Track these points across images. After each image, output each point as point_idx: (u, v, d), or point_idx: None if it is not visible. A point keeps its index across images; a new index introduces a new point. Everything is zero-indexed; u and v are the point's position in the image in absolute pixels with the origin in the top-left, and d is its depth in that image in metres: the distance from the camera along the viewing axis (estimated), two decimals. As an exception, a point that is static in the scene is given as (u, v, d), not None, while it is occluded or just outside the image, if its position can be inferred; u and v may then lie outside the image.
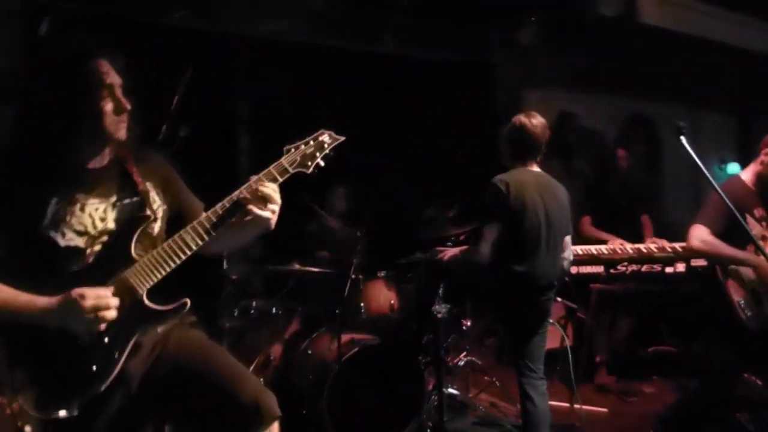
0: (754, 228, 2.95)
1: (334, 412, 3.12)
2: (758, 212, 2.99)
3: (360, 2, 5.15)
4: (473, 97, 5.98)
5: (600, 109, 6.70)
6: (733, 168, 7.50)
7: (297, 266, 3.77)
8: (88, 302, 1.54)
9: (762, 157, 3.03)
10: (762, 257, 2.72)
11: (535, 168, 3.11)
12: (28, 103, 1.70)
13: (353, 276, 3.52)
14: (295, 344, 3.70)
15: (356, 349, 3.23)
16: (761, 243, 2.83)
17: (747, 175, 3.10)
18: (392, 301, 3.71)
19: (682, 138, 2.41)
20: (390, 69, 5.40)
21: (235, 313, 3.65)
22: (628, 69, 6.47)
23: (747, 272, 2.91)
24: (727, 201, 2.35)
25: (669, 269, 3.98)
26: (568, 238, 3.15)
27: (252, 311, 3.76)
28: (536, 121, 3.03)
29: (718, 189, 2.35)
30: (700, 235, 2.93)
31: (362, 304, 3.64)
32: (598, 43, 5.91)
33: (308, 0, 4.93)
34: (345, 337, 3.31)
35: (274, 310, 3.79)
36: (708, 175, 2.34)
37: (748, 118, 7.54)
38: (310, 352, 3.51)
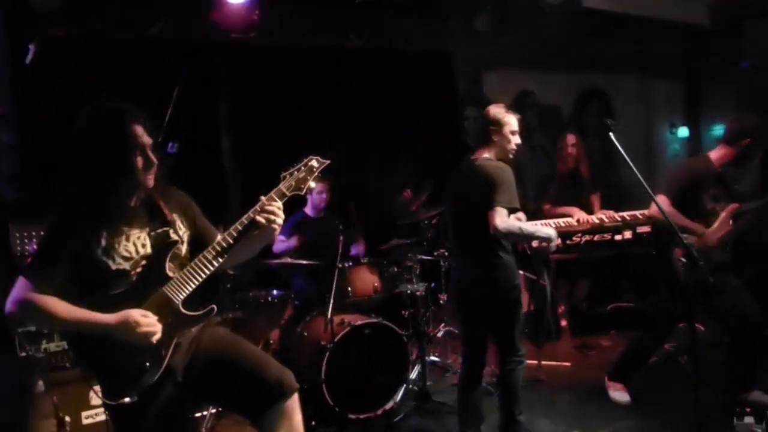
0: (709, 204, 3.43)
1: (331, 386, 3.54)
2: (714, 191, 3.44)
3: (325, 4, 5.44)
4: (437, 84, 6.36)
5: (555, 85, 7.13)
6: (683, 132, 8.01)
7: (288, 259, 4.14)
8: (142, 328, 1.95)
9: (723, 145, 3.42)
10: (704, 228, 3.33)
11: (482, 155, 3.14)
12: (81, 158, 2.04)
13: (340, 265, 3.93)
14: (291, 328, 4.12)
15: (347, 329, 3.65)
16: (712, 218, 3.38)
17: (715, 155, 3.48)
18: (375, 284, 4.15)
19: (611, 135, 2.85)
20: (358, 64, 5.73)
21: (237, 305, 4.02)
22: (580, 46, 6.89)
23: (692, 240, 3.36)
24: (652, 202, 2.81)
25: (618, 237, 4.46)
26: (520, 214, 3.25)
27: (250, 301, 4.12)
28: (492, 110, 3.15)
29: (648, 189, 2.77)
30: (660, 204, 3.39)
31: (349, 289, 4.07)
32: (550, 25, 6.30)
33: (276, 6, 5.23)
34: (336, 319, 3.73)
35: (269, 299, 4.17)
36: (634, 169, 2.77)
37: (694, 83, 8.04)
38: (305, 334, 3.93)
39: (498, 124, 3.08)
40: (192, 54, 4.92)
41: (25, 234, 3.37)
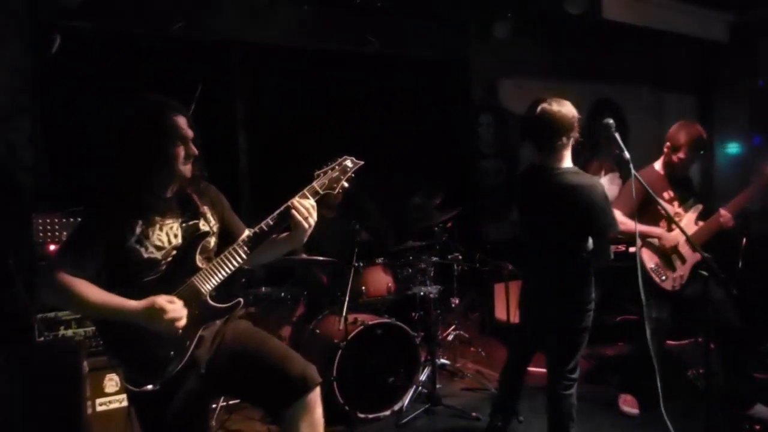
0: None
1: (342, 385, 3.56)
2: (667, 194, 3.59)
3: (344, 7, 5.48)
4: (453, 89, 6.40)
5: (571, 95, 7.12)
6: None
7: (303, 255, 4.15)
8: (168, 315, 1.95)
9: (666, 152, 3.57)
10: (662, 230, 3.49)
11: (557, 163, 2.83)
12: (122, 147, 2.07)
13: (355, 264, 3.95)
14: (303, 325, 4.13)
15: (360, 328, 3.66)
16: (676, 219, 3.38)
17: (658, 164, 3.66)
18: (389, 285, 4.16)
19: (615, 134, 2.81)
20: (374, 67, 5.78)
21: (250, 299, 4.05)
22: (595, 57, 6.93)
23: (655, 241, 3.54)
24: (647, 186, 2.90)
25: (632, 249, 4.48)
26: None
27: (263, 297, 4.14)
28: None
29: (639, 177, 2.83)
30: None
31: (363, 288, 4.08)
32: (567, 35, 6.34)
33: (296, 7, 5.28)
34: (349, 317, 3.73)
35: (282, 295, 4.18)
36: (632, 168, 2.80)
37: (707, 99, 8.06)
38: (317, 331, 3.94)
39: (571, 127, 2.73)
40: (211, 52, 4.99)
41: (48, 222, 3.40)
